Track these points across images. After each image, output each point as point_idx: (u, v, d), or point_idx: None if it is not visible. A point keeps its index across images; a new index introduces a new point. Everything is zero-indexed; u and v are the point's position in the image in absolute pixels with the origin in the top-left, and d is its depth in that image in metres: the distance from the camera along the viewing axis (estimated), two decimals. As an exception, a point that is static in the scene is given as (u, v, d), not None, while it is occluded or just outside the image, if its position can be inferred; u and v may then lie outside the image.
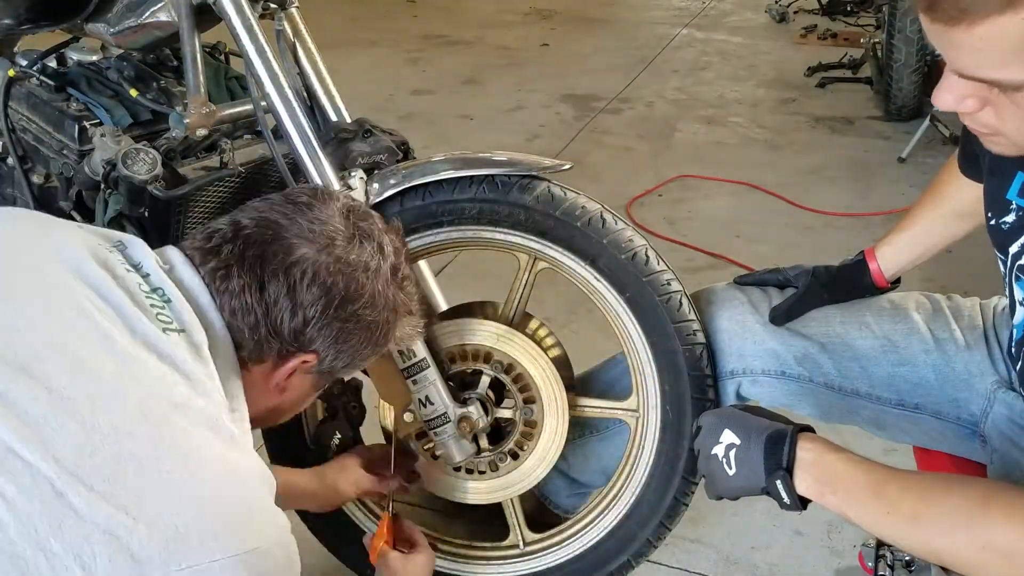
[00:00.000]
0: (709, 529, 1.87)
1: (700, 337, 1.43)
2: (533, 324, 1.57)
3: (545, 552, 1.61)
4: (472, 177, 1.43)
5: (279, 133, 1.44)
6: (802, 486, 1.04)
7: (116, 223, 1.51)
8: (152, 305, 1.00)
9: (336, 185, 1.41)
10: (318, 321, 1.08)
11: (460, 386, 1.54)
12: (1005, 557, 0.92)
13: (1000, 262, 1.19)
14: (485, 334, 1.51)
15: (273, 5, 1.55)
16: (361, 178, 1.44)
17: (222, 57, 1.75)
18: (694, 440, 1.17)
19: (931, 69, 3.97)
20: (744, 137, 4.16)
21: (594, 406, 1.56)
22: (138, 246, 1.08)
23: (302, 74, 1.57)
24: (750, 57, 5.43)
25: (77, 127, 1.55)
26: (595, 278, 1.44)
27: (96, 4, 1.55)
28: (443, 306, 1.66)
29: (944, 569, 0.99)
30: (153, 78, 1.62)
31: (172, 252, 1.09)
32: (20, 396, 0.86)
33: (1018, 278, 1.15)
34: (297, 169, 1.44)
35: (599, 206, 1.43)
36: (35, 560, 0.81)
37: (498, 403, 1.55)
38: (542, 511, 1.72)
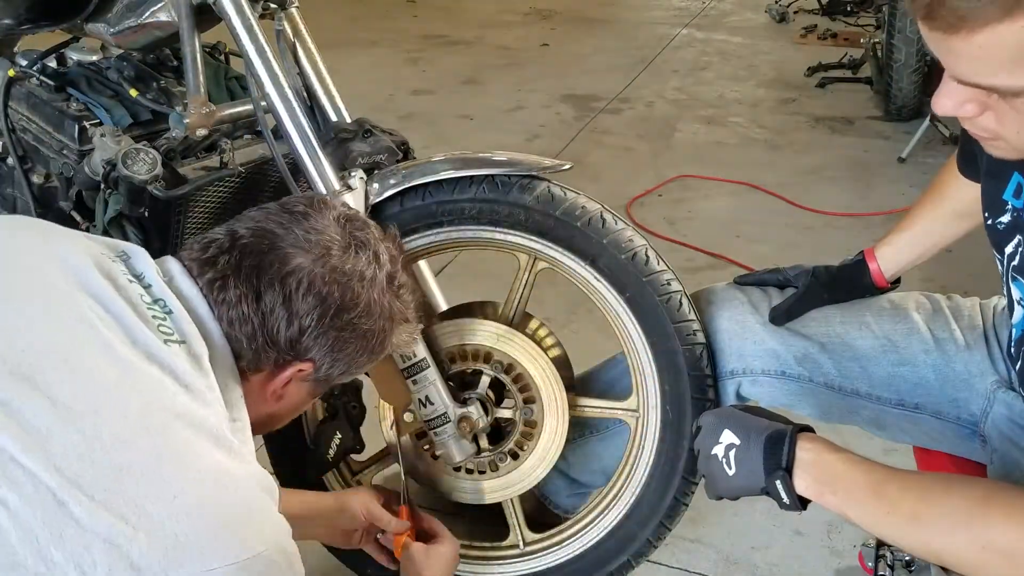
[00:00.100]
0: (709, 529, 1.87)
1: (700, 337, 1.43)
2: (533, 324, 1.57)
3: (545, 552, 1.61)
4: (472, 177, 1.43)
5: (279, 133, 1.44)
6: (801, 486, 1.04)
7: (116, 223, 1.51)
8: (154, 316, 1.00)
9: (336, 185, 1.41)
10: (314, 330, 1.09)
11: (460, 386, 1.54)
12: (1005, 557, 0.91)
13: (997, 262, 1.19)
14: (485, 334, 1.51)
15: (273, 5, 1.55)
16: (361, 178, 1.44)
17: (222, 57, 1.75)
18: (694, 440, 1.17)
19: (931, 69, 3.97)
20: (744, 137, 4.16)
21: (594, 406, 1.56)
22: (141, 256, 1.09)
23: (302, 74, 1.57)
24: (750, 57, 5.43)
25: (77, 127, 1.55)
26: (595, 278, 1.44)
27: (96, 4, 1.55)
28: (443, 306, 1.66)
29: (944, 569, 1.00)
30: (153, 78, 1.62)
31: (171, 263, 1.10)
32: (23, 405, 0.87)
33: (1015, 278, 1.15)
34: (297, 169, 1.44)
35: (599, 206, 1.43)
36: (36, 568, 0.81)
37: (498, 403, 1.55)
38: (542, 511, 1.72)
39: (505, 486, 1.57)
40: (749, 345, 1.42)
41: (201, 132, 1.48)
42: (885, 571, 1.16)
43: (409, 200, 1.44)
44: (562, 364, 1.55)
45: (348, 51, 5.11)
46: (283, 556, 0.94)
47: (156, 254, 1.50)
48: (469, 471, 1.58)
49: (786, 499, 1.05)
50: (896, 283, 1.43)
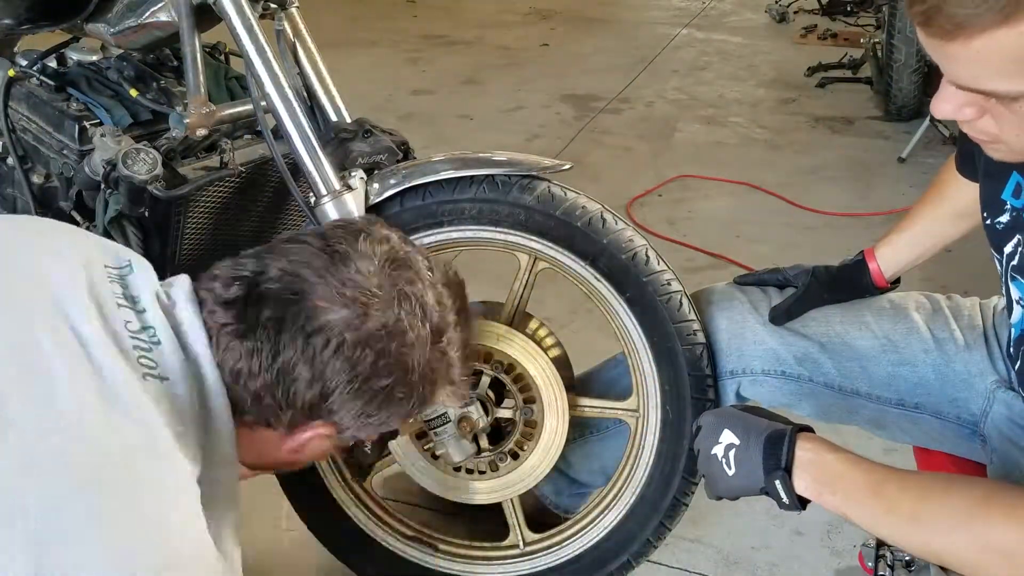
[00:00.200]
0: (709, 529, 1.87)
1: (700, 337, 1.43)
2: (533, 324, 1.57)
3: (545, 552, 1.61)
4: (472, 177, 1.42)
5: (279, 133, 1.44)
6: (801, 486, 1.04)
7: (116, 223, 1.51)
8: (136, 346, 0.91)
9: (336, 185, 1.41)
10: (340, 395, 0.99)
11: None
12: (1005, 557, 0.91)
13: (996, 261, 1.19)
14: (485, 334, 1.51)
15: (273, 5, 1.55)
16: (361, 178, 1.44)
17: (222, 57, 1.75)
18: (694, 440, 1.17)
19: (931, 69, 3.97)
20: (744, 137, 4.16)
21: (594, 406, 1.56)
22: (143, 275, 1.00)
23: (302, 74, 1.57)
24: (750, 57, 5.43)
25: (77, 127, 1.55)
26: (595, 278, 1.44)
27: (96, 4, 1.55)
28: (443, 306, 1.66)
29: (943, 569, 1.00)
30: (153, 78, 1.61)
31: (179, 289, 1.00)
32: None
33: (1013, 278, 1.15)
34: (297, 169, 1.44)
35: (599, 206, 1.43)
36: None
37: (498, 403, 1.55)
38: (542, 511, 1.73)
39: (505, 486, 1.57)
40: (749, 345, 1.42)
41: (201, 132, 1.48)
42: (885, 571, 1.16)
43: (409, 200, 1.44)
44: (562, 364, 1.55)
45: (348, 51, 5.11)
46: None
47: (156, 254, 1.51)
48: (469, 471, 1.58)
49: (785, 499, 1.05)
50: (896, 283, 1.44)
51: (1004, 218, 1.14)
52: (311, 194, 1.43)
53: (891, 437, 1.43)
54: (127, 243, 1.53)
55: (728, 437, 1.10)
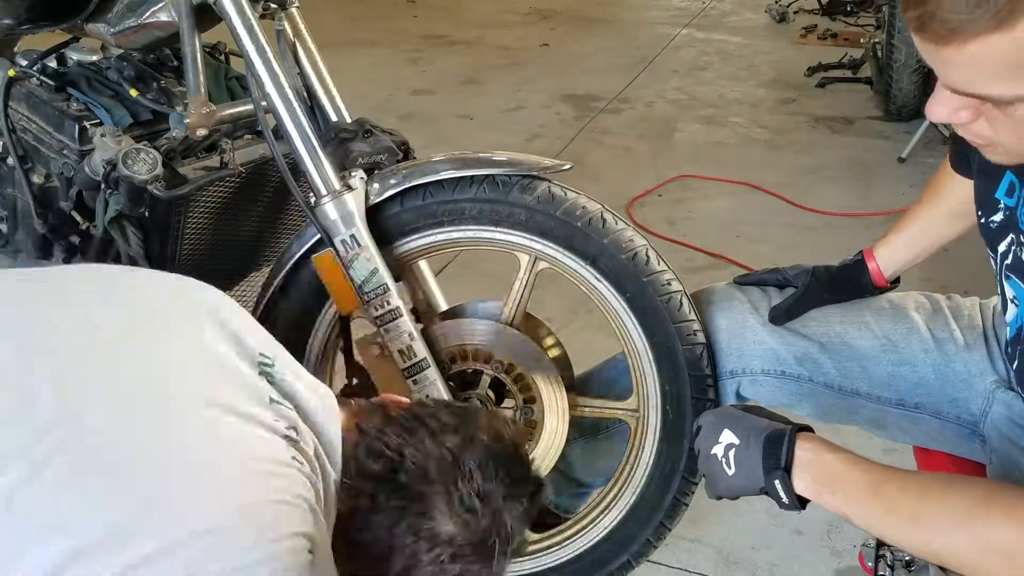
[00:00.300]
0: (709, 529, 1.87)
1: (700, 337, 1.43)
2: (533, 324, 1.57)
3: (545, 552, 1.61)
4: (472, 177, 1.43)
5: (279, 133, 1.44)
6: (800, 485, 1.04)
7: (116, 223, 1.51)
8: (287, 437, 0.96)
9: (336, 185, 1.41)
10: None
11: (460, 386, 1.54)
12: (1006, 558, 0.91)
13: (991, 260, 1.19)
14: (485, 334, 1.51)
15: (273, 5, 1.55)
16: (361, 178, 1.44)
17: (222, 57, 1.75)
18: (694, 440, 1.17)
19: (931, 69, 3.95)
20: (744, 137, 4.16)
21: (594, 406, 1.56)
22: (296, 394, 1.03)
23: (302, 74, 1.57)
24: (750, 57, 5.43)
25: (77, 127, 1.55)
26: (595, 278, 1.44)
27: (96, 4, 1.55)
28: (443, 306, 1.66)
29: (942, 569, 1.00)
30: (153, 78, 1.62)
31: (333, 431, 1.05)
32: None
33: (1008, 276, 1.15)
34: (297, 169, 1.44)
35: (599, 206, 1.43)
36: None
37: (498, 403, 1.55)
38: (542, 511, 1.72)
39: (505, 486, 1.57)
40: (749, 345, 1.42)
41: (201, 132, 1.48)
42: (885, 571, 1.16)
43: (409, 200, 1.44)
44: (562, 364, 1.55)
45: (348, 51, 5.11)
46: None
47: (156, 254, 1.50)
48: (469, 471, 1.58)
49: (785, 499, 1.05)
50: (895, 283, 1.44)
51: (998, 217, 1.14)
52: (311, 194, 1.43)
53: (891, 437, 1.42)
54: (127, 243, 1.53)
55: (728, 437, 1.10)
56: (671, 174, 3.66)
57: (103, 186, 1.49)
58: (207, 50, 1.69)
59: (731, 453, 1.09)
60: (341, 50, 4.79)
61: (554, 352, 1.56)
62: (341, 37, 5.34)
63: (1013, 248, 1.12)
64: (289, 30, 1.57)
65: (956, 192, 1.35)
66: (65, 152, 1.57)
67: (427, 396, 1.45)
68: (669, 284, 1.42)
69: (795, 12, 6.28)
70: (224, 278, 1.74)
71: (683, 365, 1.43)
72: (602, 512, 1.57)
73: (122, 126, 1.56)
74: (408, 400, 1.17)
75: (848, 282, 1.42)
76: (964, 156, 1.29)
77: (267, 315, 1.53)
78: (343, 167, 1.45)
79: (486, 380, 1.53)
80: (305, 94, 1.56)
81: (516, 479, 1.10)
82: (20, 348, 0.93)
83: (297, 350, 1.46)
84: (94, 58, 1.73)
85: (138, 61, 1.65)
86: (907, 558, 1.14)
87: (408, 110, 4.42)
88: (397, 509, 1.03)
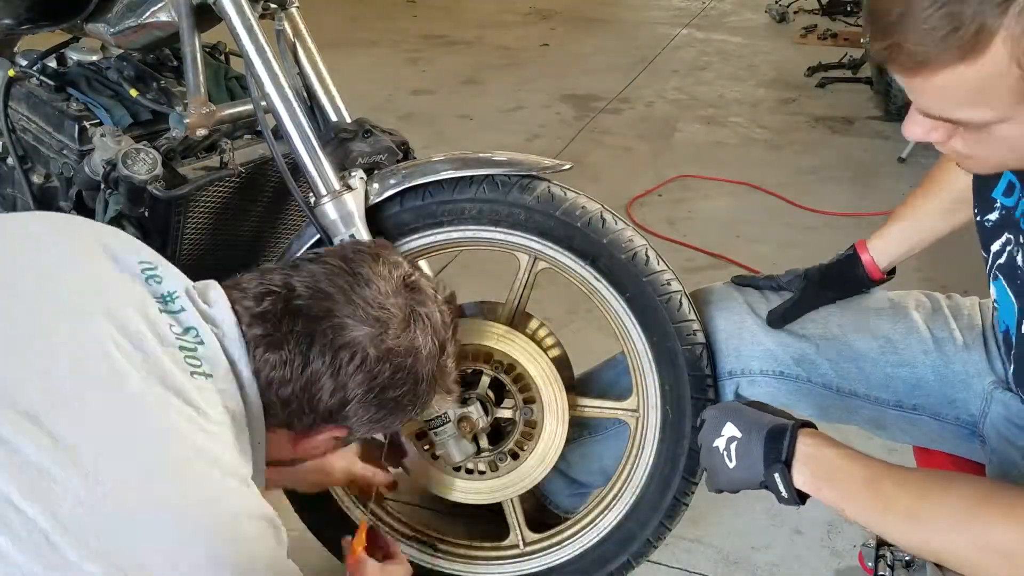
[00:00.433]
0: (709, 529, 1.87)
1: (700, 337, 1.43)
2: (533, 324, 1.57)
3: (545, 552, 1.61)
4: (472, 177, 1.42)
5: (279, 133, 1.44)
6: (800, 480, 1.04)
7: (116, 223, 1.51)
8: (182, 347, 0.98)
9: (336, 185, 1.41)
10: (357, 403, 1.09)
11: (460, 386, 1.54)
12: (1004, 557, 0.91)
13: (984, 260, 1.19)
14: (485, 334, 1.51)
15: (273, 5, 1.55)
16: (361, 178, 1.44)
17: (222, 57, 1.75)
18: (698, 435, 1.18)
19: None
20: (744, 137, 4.16)
21: (594, 406, 1.56)
22: (173, 277, 1.06)
23: (302, 74, 1.57)
24: (750, 57, 5.43)
25: (77, 127, 1.55)
26: (595, 278, 1.44)
27: (96, 4, 1.55)
28: (443, 306, 1.66)
29: (939, 567, 1.00)
30: (153, 78, 1.62)
31: (215, 293, 1.07)
32: (24, 444, 0.84)
33: (996, 277, 1.15)
34: (297, 169, 1.44)
35: (599, 206, 1.43)
36: None
37: (498, 403, 1.55)
38: (542, 511, 1.72)
39: (505, 486, 1.57)
40: (747, 345, 1.42)
41: (201, 132, 1.48)
42: (885, 571, 1.16)
43: (409, 200, 1.44)
44: (562, 364, 1.55)
45: (348, 51, 5.11)
46: None
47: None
48: (469, 471, 1.58)
49: (784, 492, 1.05)
50: (891, 274, 1.43)
51: (993, 216, 1.14)
52: (311, 194, 1.43)
53: (891, 437, 1.43)
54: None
55: (730, 430, 1.10)
56: (671, 174, 3.66)
57: (103, 186, 1.49)
58: (207, 50, 1.69)
59: (732, 446, 1.09)
60: (341, 50, 4.80)
61: (554, 352, 1.56)
62: (341, 37, 5.34)
63: (1008, 248, 1.12)
64: (289, 30, 1.56)
65: (954, 184, 1.34)
66: (65, 152, 1.57)
67: None
68: (669, 284, 1.42)
69: (795, 12, 6.29)
70: (224, 278, 1.74)
71: (683, 365, 1.43)
72: (602, 512, 1.57)
73: (122, 126, 1.56)
74: None
75: (840, 276, 1.42)
76: None
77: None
78: (343, 167, 1.45)
79: (486, 380, 1.53)
80: (305, 94, 1.56)
81: (410, 274, 1.15)
82: None
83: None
84: (94, 58, 1.73)
85: (138, 61, 1.65)
86: (907, 558, 1.14)
87: (408, 110, 4.42)
88: (303, 335, 1.05)
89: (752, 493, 1.11)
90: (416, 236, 1.46)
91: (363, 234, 1.41)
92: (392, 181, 1.44)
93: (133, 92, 1.58)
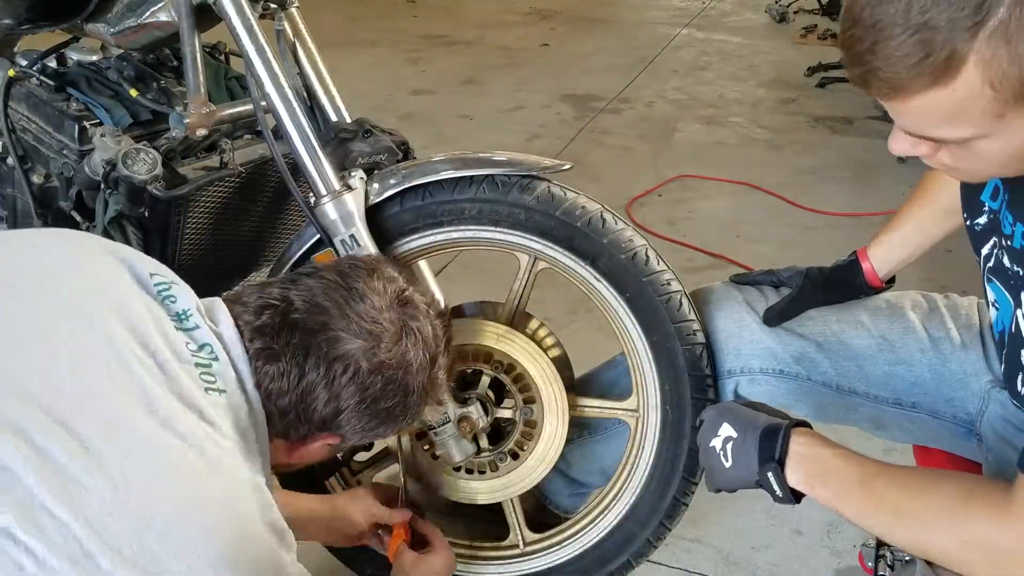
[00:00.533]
0: (709, 529, 1.87)
1: (700, 337, 1.43)
2: (533, 324, 1.57)
3: (545, 552, 1.61)
4: (472, 177, 1.43)
5: (279, 133, 1.44)
6: (794, 479, 1.05)
7: (116, 223, 1.51)
8: (197, 364, 1.01)
9: (336, 185, 1.41)
10: (350, 413, 1.12)
11: (460, 386, 1.54)
12: (985, 552, 0.93)
13: (977, 263, 1.19)
14: (485, 334, 1.51)
15: (273, 5, 1.55)
16: (361, 178, 1.44)
17: (222, 57, 1.75)
18: (696, 435, 1.18)
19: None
20: (744, 137, 4.16)
21: (594, 406, 1.56)
22: (185, 295, 1.09)
23: (302, 74, 1.57)
24: (750, 57, 5.43)
25: (77, 127, 1.55)
26: (595, 278, 1.44)
27: (96, 4, 1.55)
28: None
29: (929, 563, 1.00)
30: (153, 78, 1.62)
31: (220, 310, 1.10)
32: (55, 449, 0.86)
33: (989, 279, 1.16)
34: (297, 169, 1.44)
35: (599, 206, 1.43)
36: None
37: (498, 403, 1.55)
38: (542, 511, 1.72)
39: (505, 486, 1.57)
40: (746, 344, 1.42)
41: (201, 132, 1.48)
42: (885, 571, 1.17)
43: (409, 200, 1.44)
44: (562, 364, 1.55)
45: (348, 51, 5.11)
46: None
47: (156, 254, 1.51)
48: (469, 471, 1.58)
49: (778, 491, 1.06)
50: (891, 282, 1.43)
51: (982, 220, 1.14)
52: (311, 194, 1.43)
53: (890, 437, 1.43)
54: (127, 243, 1.53)
55: (727, 430, 1.11)
56: (671, 174, 3.66)
57: (103, 186, 1.49)
58: (207, 50, 1.69)
59: (728, 446, 1.10)
60: (341, 50, 4.79)
61: (554, 352, 1.56)
62: (341, 37, 5.34)
63: (995, 252, 1.12)
64: (289, 30, 1.56)
65: (948, 188, 1.35)
66: (65, 152, 1.57)
67: None
68: (669, 284, 1.42)
69: (795, 12, 6.28)
70: (224, 278, 1.74)
71: (683, 365, 1.43)
72: (602, 512, 1.57)
73: (122, 126, 1.56)
74: None
75: (842, 283, 1.42)
76: None
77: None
78: (343, 167, 1.45)
79: (486, 380, 1.53)
80: (305, 94, 1.56)
81: (404, 289, 1.18)
82: None
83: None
84: (94, 58, 1.73)
85: (138, 61, 1.65)
86: (907, 558, 1.14)
87: (408, 110, 4.42)
88: (300, 348, 1.09)
89: (751, 493, 1.12)
90: (416, 236, 1.47)
91: (363, 234, 1.41)
92: (392, 181, 1.44)
93: (133, 92, 1.58)
